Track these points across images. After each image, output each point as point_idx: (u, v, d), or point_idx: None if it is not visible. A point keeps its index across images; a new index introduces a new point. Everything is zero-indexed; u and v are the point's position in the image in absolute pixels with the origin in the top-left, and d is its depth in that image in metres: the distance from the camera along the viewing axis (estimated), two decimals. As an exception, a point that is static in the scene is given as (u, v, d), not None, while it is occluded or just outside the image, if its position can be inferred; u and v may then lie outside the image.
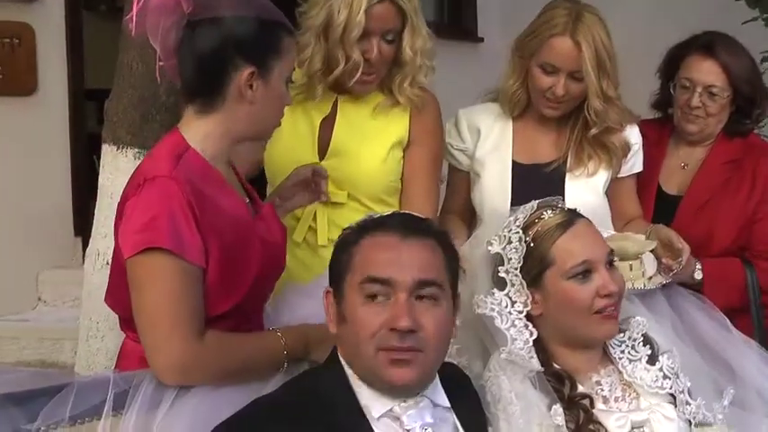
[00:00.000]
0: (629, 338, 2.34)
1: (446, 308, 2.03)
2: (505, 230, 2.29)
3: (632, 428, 2.24)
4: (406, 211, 2.48)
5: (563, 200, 2.50)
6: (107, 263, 2.77)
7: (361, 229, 2.08)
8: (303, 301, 2.42)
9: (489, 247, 2.30)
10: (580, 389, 2.25)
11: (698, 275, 2.92)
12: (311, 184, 2.71)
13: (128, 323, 2.26)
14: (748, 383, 2.53)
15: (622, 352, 2.33)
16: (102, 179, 3.17)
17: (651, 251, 2.72)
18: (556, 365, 2.26)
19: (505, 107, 3.04)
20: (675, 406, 2.29)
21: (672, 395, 2.30)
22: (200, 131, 2.23)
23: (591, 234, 2.29)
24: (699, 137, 3.19)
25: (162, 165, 2.15)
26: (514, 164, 3.00)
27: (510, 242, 2.26)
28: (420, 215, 2.21)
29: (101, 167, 3.19)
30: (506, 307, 2.26)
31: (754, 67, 3.18)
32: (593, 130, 2.93)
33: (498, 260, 2.28)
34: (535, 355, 2.23)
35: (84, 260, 3.47)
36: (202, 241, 2.12)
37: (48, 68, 5.12)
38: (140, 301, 2.12)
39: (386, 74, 2.85)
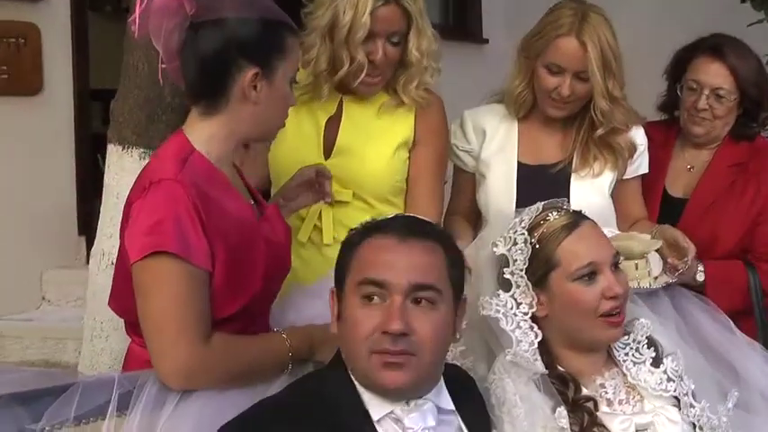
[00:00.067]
0: (634, 341, 2.34)
1: (444, 312, 2.02)
2: (511, 232, 2.29)
3: (636, 431, 2.23)
4: (410, 214, 2.49)
5: (568, 201, 2.50)
6: (112, 263, 2.77)
7: (363, 230, 2.09)
8: (309, 302, 2.42)
9: (494, 249, 2.30)
10: (584, 391, 2.24)
11: (700, 277, 2.92)
12: (315, 184, 2.71)
13: (133, 327, 2.26)
14: (752, 386, 2.53)
15: (626, 354, 2.32)
16: (108, 179, 3.17)
17: (657, 251, 2.72)
18: (560, 368, 2.26)
19: (511, 108, 3.04)
20: (680, 408, 2.29)
21: (676, 398, 2.30)
22: (204, 133, 2.22)
23: (596, 236, 2.29)
24: (705, 139, 3.18)
25: (167, 168, 2.15)
26: (520, 165, 3.00)
27: (515, 243, 2.26)
28: (423, 218, 2.21)
29: (106, 167, 3.19)
30: (511, 308, 2.25)
31: (762, 70, 3.17)
32: (600, 131, 2.92)
33: (503, 261, 2.28)
34: (539, 358, 2.23)
35: (88, 260, 3.48)
36: (208, 244, 2.12)
37: (53, 68, 5.13)
38: (146, 305, 2.12)
39: (391, 74, 2.85)
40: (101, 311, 3.06)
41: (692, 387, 2.31)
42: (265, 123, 2.29)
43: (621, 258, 2.36)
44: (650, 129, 3.13)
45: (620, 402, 2.27)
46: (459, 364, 2.29)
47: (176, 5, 2.15)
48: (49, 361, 4.78)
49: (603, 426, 2.21)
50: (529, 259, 2.25)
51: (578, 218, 2.29)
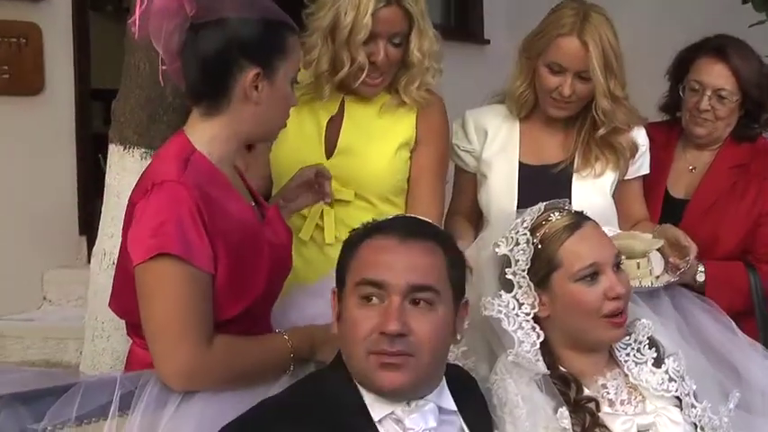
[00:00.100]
0: (635, 341, 2.34)
1: (443, 313, 2.01)
2: (513, 232, 2.28)
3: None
4: (410, 215, 2.49)
5: (570, 201, 2.50)
6: (113, 262, 2.77)
7: (364, 231, 2.09)
8: (311, 301, 2.42)
9: (496, 249, 2.29)
10: (586, 392, 2.24)
11: (700, 278, 2.92)
12: (315, 185, 2.70)
13: (134, 329, 2.26)
14: (754, 386, 2.52)
15: (628, 355, 2.33)
16: (109, 179, 3.17)
17: (658, 250, 2.72)
18: (562, 368, 2.26)
19: (512, 108, 3.04)
20: (681, 409, 2.29)
21: (677, 398, 2.30)
22: (205, 134, 2.22)
23: (598, 236, 2.29)
24: (707, 140, 3.18)
25: (170, 169, 2.14)
26: (521, 165, 3.00)
27: (517, 244, 2.26)
28: (424, 218, 2.21)
29: (108, 167, 3.19)
30: (513, 309, 2.25)
31: (764, 72, 3.17)
32: (602, 131, 2.93)
33: (505, 262, 2.28)
34: (541, 358, 2.23)
35: (89, 260, 3.48)
36: (211, 246, 2.12)
37: (54, 68, 5.13)
38: (149, 308, 2.12)
39: (393, 76, 2.85)
40: (102, 311, 3.05)
41: (694, 387, 2.31)
42: (267, 123, 2.28)
43: (623, 257, 2.37)
44: (652, 130, 3.13)
45: (622, 403, 2.27)
46: (460, 364, 2.29)
47: (176, 6, 2.15)
48: (50, 361, 4.78)
49: (605, 426, 2.20)
50: (531, 260, 2.25)
51: (580, 218, 2.29)
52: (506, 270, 2.27)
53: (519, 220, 2.31)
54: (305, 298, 2.48)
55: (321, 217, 2.82)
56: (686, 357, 2.37)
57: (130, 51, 3.07)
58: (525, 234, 2.27)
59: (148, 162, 2.85)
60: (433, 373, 2.03)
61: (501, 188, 2.98)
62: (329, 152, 2.85)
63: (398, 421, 2.01)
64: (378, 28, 2.74)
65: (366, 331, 1.96)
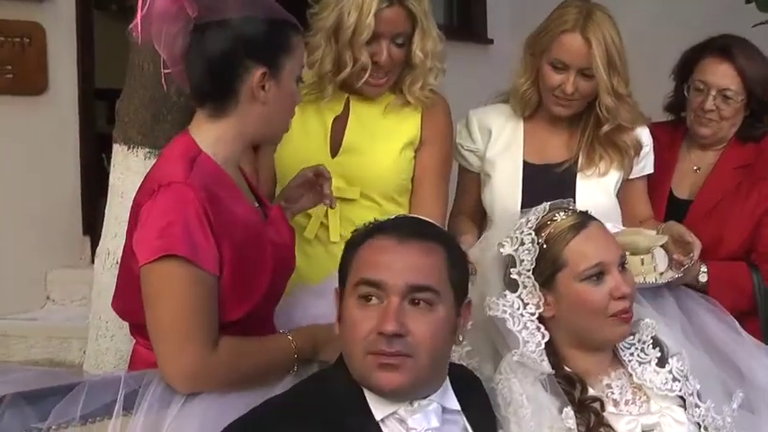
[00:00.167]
0: (639, 341, 2.34)
1: (443, 313, 2.01)
2: (517, 232, 2.28)
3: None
4: (412, 215, 2.49)
5: (574, 201, 2.50)
6: (117, 262, 2.77)
7: (365, 231, 2.09)
8: (315, 301, 2.42)
9: (501, 249, 2.29)
10: (591, 392, 2.24)
11: (703, 278, 2.91)
12: (316, 185, 2.70)
13: (138, 329, 2.26)
14: (758, 386, 2.52)
15: (632, 354, 2.32)
16: (113, 179, 3.18)
17: (662, 247, 2.72)
18: (567, 368, 2.26)
19: (516, 107, 3.04)
20: (685, 409, 2.29)
21: (681, 397, 2.30)
22: (211, 135, 2.22)
23: (603, 236, 2.29)
24: (711, 140, 3.18)
25: (176, 170, 2.14)
26: (525, 164, 3.00)
27: (522, 244, 2.26)
28: (426, 218, 2.21)
29: (111, 167, 3.20)
30: (518, 309, 2.25)
31: None
32: (606, 127, 2.93)
33: (510, 262, 2.28)
34: (546, 358, 2.23)
35: (92, 259, 3.49)
36: (217, 248, 2.12)
37: (58, 68, 5.13)
38: (155, 309, 2.11)
39: (397, 75, 2.85)
40: (106, 311, 3.06)
41: (698, 387, 2.31)
42: (273, 124, 2.28)
43: (627, 253, 2.37)
44: (656, 130, 3.13)
45: (627, 403, 2.27)
46: (465, 364, 2.29)
47: (176, 9, 2.14)
48: (53, 360, 4.78)
49: (610, 426, 2.20)
50: (536, 260, 2.24)
51: (585, 218, 2.29)
52: (511, 270, 2.27)
53: (524, 220, 2.31)
54: (309, 298, 2.49)
55: (326, 215, 2.82)
56: (690, 357, 2.37)
57: (135, 51, 3.08)
58: (530, 234, 2.26)
59: (152, 162, 2.86)
60: (433, 373, 2.03)
61: (505, 187, 2.98)
62: (334, 151, 2.85)
63: (401, 421, 2.01)
64: (381, 28, 2.74)
65: (365, 331, 1.96)
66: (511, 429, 2.16)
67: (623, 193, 3.04)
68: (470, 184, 3.11)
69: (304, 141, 2.84)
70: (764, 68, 3.13)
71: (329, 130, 2.86)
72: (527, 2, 4.99)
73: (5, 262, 4.91)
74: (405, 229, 2.05)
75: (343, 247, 2.13)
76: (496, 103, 3.12)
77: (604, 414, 2.22)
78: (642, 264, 2.63)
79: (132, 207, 2.23)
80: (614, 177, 2.99)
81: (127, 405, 2.10)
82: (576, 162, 2.99)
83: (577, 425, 2.16)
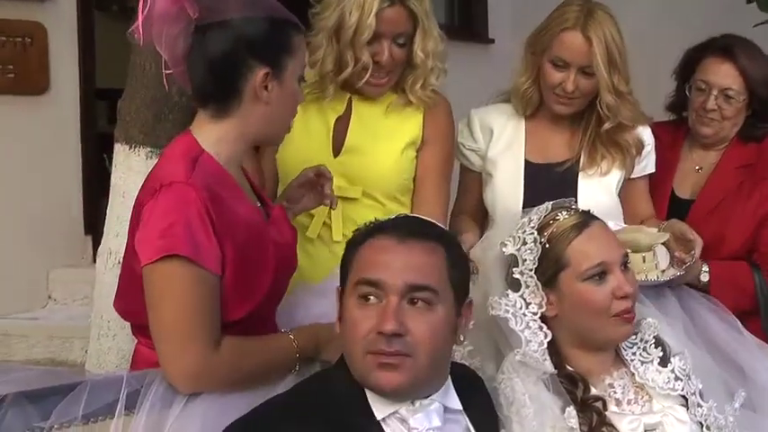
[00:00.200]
0: (641, 340, 2.34)
1: (442, 313, 2.00)
2: (520, 232, 2.28)
3: (645, 431, 2.23)
4: (413, 215, 2.49)
5: (576, 200, 2.50)
6: (119, 262, 2.78)
7: (366, 231, 2.09)
8: (317, 301, 2.42)
9: (503, 249, 2.29)
10: (593, 391, 2.24)
11: (704, 278, 2.91)
12: (317, 185, 2.70)
13: (140, 329, 2.26)
14: (760, 386, 2.53)
15: (634, 354, 2.32)
16: (115, 178, 3.18)
17: (664, 244, 2.72)
18: (569, 368, 2.26)
19: (518, 105, 3.04)
20: (687, 408, 2.29)
21: (684, 397, 2.30)
22: (213, 135, 2.21)
23: (606, 236, 2.29)
24: (713, 140, 3.18)
25: (178, 170, 2.14)
26: (527, 163, 3.00)
27: (525, 243, 2.26)
28: (427, 218, 2.21)
29: (113, 167, 3.20)
30: (521, 308, 2.25)
31: None
32: (607, 125, 2.93)
33: (512, 261, 2.28)
34: (549, 358, 2.23)
35: (94, 259, 3.49)
36: (219, 248, 2.12)
37: (59, 68, 5.14)
38: (157, 309, 2.11)
39: (399, 75, 2.86)
40: (108, 310, 3.06)
41: (700, 386, 2.31)
42: (276, 124, 2.28)
43: (628, 251, 2.37)
44: (658, 129, 3.13)
45: (629, 402, 2.27)
46: (467, 363, 2.29)
47: (177, 10, 2.13)
48: (55, 360, 4.79)
49: (612, 426, 2.20)
50: (538, 259, 2.24)
51: (588, 218, 2.29)
52: (513, 269, 2.27)
53: (526, 220, 2.31)
54: (311, 297, 2.49)
55: (329, 215, 2.82)
56: (692, 357, 2.37)
57: (136, 51, 3.08)
58: (533, 233, 2.26)
59: (154, 161, 2.86)
60: (433, 373, 2.02)
61: (506, 187, 2.98)
62: (336, 151, 2.85)
63: (403, 421, 2.01)
64: (382, 28, 2.74)
65: (364, 331, 1.96)
66: (513, 429, 2.16)
67: (625, 193, 3.04)
68: (472, 183, 3.11)
69: (306, 141, 2.84)
70: (766, 68, 3.12)
71: (331, 130, 2.86)
72: (528, 1, 4.99)
73: (7, 261, 4.91)
74: (405, 228, 2.05)
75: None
76: (498, 102, 3.12)
77: (607, 413, 2.22)
78: (644, 261, 2.63)
79: (134, 207, 2.23)
80: (616, 176, 2.99)
81: (129, 405, 2.10)
82: (578, 161, 2.99)
83: (580, 424, 2.16)
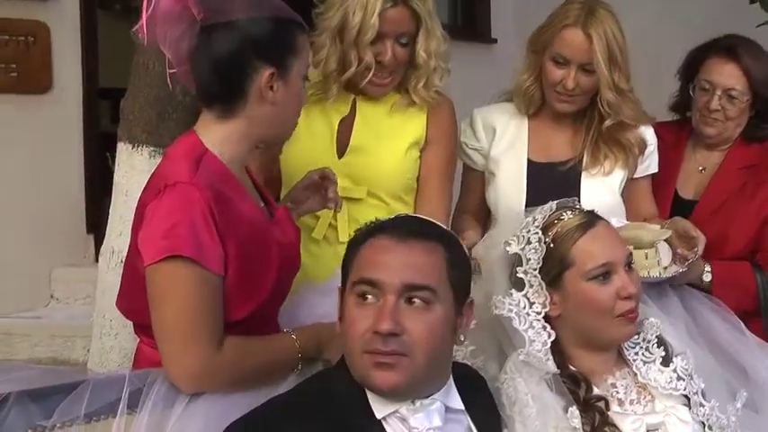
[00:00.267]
0: (644, 340, 2.34)
1: (440, 313, 2.00)
2: (524, 231, 2.28)
3: (647, 431, 2.23)
4: (414, 215, 2.49)
5: (578, 199, 2.50)
6: (121, 261, 2.77)
7: (367, 231, 2.09)
8: (321, 300, 2.42)
9: (507, 248, 2.29)
10: (596, 391, 2.24)
11: (707, 278, 2.91)
12: (322, 188, 2.70)
13: (143, 328, 2.26)
14: (762, 386, 2.52)
15: (636, 354, 2.32)
16: (118, 177, 3.18)
17: (666, 241, 2.72)
18: (572, 367, 2.26)
19: (520, 104, 3.04)
20: (690, 408, 2.29)
21: (686, 397, 2.30)
22: (217, 135, 2.21)
23: (610, 236, 2.29)
24: (717, 140, 3.17)
25: (182, 170, 2.14)
26: (530, 162, 3.00)
27: (529, 242, 2.26)
28: (428, 218, 2.21)
29: (116, 166, 3.20)
30: (524, 308, 2.25)
31: None
32: (608, 122, 2.93)
33: (516, 260, 2.28)
34: (552, 357, 2.23)
35: (96, 258, 3.49)
36: (222, 248, 2.12)
37: (62, 67, 5.14)
38: (160, 309, 2.11)
39: (402, 75, 2.86)
40: (110, 309, 3.05)
41: (702, 386, 2.31)
42: (281, 124, 2.28)
43: (631, 247, 2.36)
44: (661, 129, 3.13)
45: (632, 402, 2.27)
46: (469, 363, 2.29)
47: (180, 10, 2.13)
48: (57, 359, 4.80)
49: (614, 425, 2.20)
50: (543, 258, 2.24)
51: (593, 217, 2.29)
52: (517, 269, 2.27)
53: (530, 219, 2.31)
54: (314, 296, 2.49)
55: (334, 217, 2.82)
56: (694, 357, 2.37)
57: (139, 50, 3.08)
58: (537, 233, 2.26)
59: (157, 160, 2.86)
60: (431, 372, 2.01)
61: (509, 186, 2.98)
62: (341, 152, 2.86)
63: (403, 420, 2.01)
64: (385, 28, 2.75)
65: (361, 330, 1.96)
66: (516, 429, 2.16)
67: (628, 193, 3.04)
68: (475, 182, 3.11)
69: (310, 143, 2.84)
70: None
71: (335, 131, 2.87)
72: (530, 2, 4.99)
73: (9, 260, 4.92)
74: (405, 228, 2.05)
75: None
76: (500, 102, 3.12)
77: (609, 413, 2.21)
78: (646, 258, 2.62)
79: (138, 206, 2.23)
80: (619, 176, 2.99)
81: (131, 404, 2.10)
82: (581, 161, 2.99)
83: (582, 424, 2.16)
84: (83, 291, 4.93)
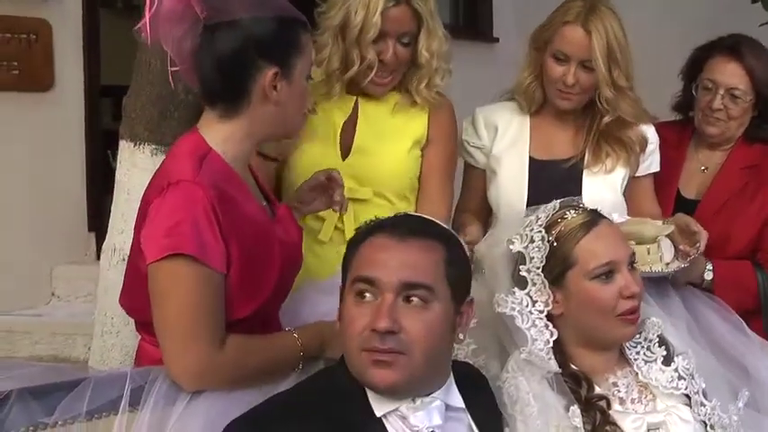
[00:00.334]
0: (645, 339, 2.34)
1: (439, 311, 2.00)
2: (527, 229, 2.28)
3: (648, 430, 2.23)
4: (413, 213, 2.49)
5: (581, 196, 2.50)
6: (123, 259, 2.78)
7: (367, 229, 2.09)
8: (323, 299, 2.41)
9: (510, 246, 2.29)
10: (597, 390, 2.24)
11: (708, 276, 2.91)
12: (328, 189, 2.69)
13: (144, 326, 2.26)
14: (764, 386, 2.53)
15: (638, 353, 2.33)
16: (119, 175, 3.18)
17: (668, 237, 2.71)
18: (573, 366, 2.26)
19: (522, 102, 3.04)
20: (691, 407, 2.29)
21: (687, 396, 2.30)
22: (220, 134, 2.21)
23: (614, 235, 2.29)
24: (719, 140, 3.17)
25: (185, 168, 2.14)
26: (531, 160, 3.01)
27: (532, 241, 2.26)
28: (429, 217, 2.21)
29: (118, 164, 3.20)
30: (527, 306, 2.25)
31: None
32: (606, 119, 2.93)
33: (520, 259, 2.28)
34: (553, 356, 2.23)
35: (98, 256, 3.49)
36: (225, 246, 2.12)
37: (64, 65, 5.14)
38: (161, 307, 2.11)
39: (403, 75, 2.86)
40: (112, 307, 3.06)
41: (703, 386, 2.31)
42: (286, 123, 2.28)
43: (633, 243, 2.36)
44: (664, 129, 3.13)
45: (633, 401, 2.27)
46: (471, 362, 2.30)
47: (183, 8, 2.13)
48: (58, 356, 4.79)
49: (616, 425, 2.20)
50: (546, 257, 2.24)
51: (596, 216, 2.29)
52: (521, 267, 2.27)
53: (533, 218, 2.31)
54: (317, 294, 2.48)
55: (341, 219, 2.82)
56: (696, 356, 2.38)
57: (142, 48, 3.08)
58: (540, 231, 2.26)
59: (159, 158, 2.87)
60: (429, 371, 2.01)
61: (510, 183, 2.98)
62: (345, 153, 2.86)
63: (404, 418, 2.01)
64: (387, 27, 2.75)
65: (359, 328, 1.97)
66: (517, 428, 2.16)
67: (630, 191, 3.04)
68: (476, 181, 3.11)
69: (314, 145, 2.84)
70: None
71: (339, 132, 2.87)
72: (532, 1, 4.99)
73: (11, 258, 4.92)
74: (404, 227, 2.05)
75: None
76: (502, 101, 3.12)
77: (610, 412, 2.22)
78: (648, 253, 2.62)
79: (141, 204, 2.23)
80: (620, 174, 2.99)
81: (132, 401, 2.10)
82: (583, 158, 2.99)
83: (584, 423, 2.16)
84: (84, 288, 4.93)
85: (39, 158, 5.01)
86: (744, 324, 2.68)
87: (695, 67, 3.20)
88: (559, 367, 2.23)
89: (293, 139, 2.75)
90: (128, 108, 3.17)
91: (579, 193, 2.86)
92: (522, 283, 2.27)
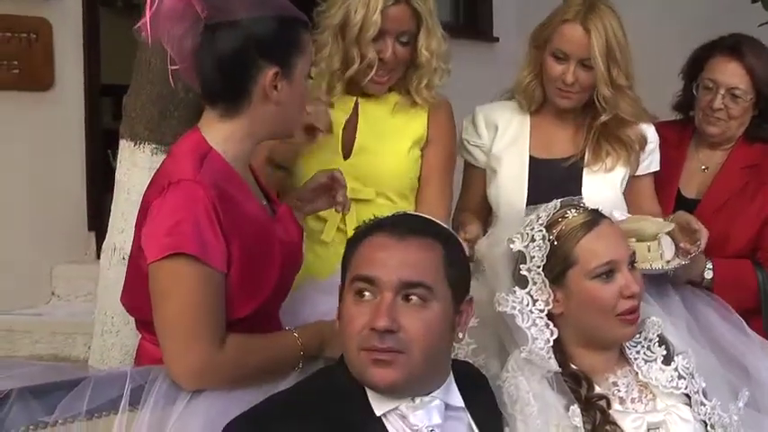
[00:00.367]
0: (645, 339, 2.34)
1: (438, 310, 2.00)
2: (528, 228, 2.28)
3: (648, 429, 2.24)
4: (412, 212, 2.49)
5: (581, 195, 2.50)
6: (123, 258, 2.78)
7: (366, 228, 2.09)
8: (323, 298, 2.41)
9: (511, 245, 2.29)
10: (597, 390, 2.25)
11: (708, 275, 2.91)
12: (330, 189, 2.69)
13: (145, 325, 2.26)
14: (764, 386, 2.52)
15: (638, 352, 2.33)
16: (119, 175, 3.19)
17: (669, 234, 2.71)
18: (573, 366, 2.26)
19: (522, 101, 3.04)
20: (691, 406, 2.29)
21: (687, 395, 2.30)
22: (221, 133, 2.21)
23: (614, 234, 2.29)
24: (720, 139, 3.17)
25: (186, 167, 2.14)
26: (531, 159, 3.00)
27: (533, 240, 2.26)
28: (428, 216, 2.21)
29: (118, 163, 3.21)
30: (527, 305, 2.25)
31: None
32: (603, 117, 2.93)
33: (520, 258, 2.28)
34: (553, 356, 2.23)
35: (98, 255, 3.49)
36: (225, 246, 2.12)
37: (64, 64, 5.14)
38: (162, 306, 2.11)
39: (403, 75, 2.87)
40: (112, 306, 3.07)
41: (703, 385, 2.31)
42: (285, 123, 2.28)
43: (633, 240, 2.36)
44: (664, 129, 3.13)
45: (633, 401, 2.27)
46: (471, 361, 2.30)
47: (183, 7, 2.13)
48: (58, 356, 4.79)
49: (616, 424, 2.20)
50: (546, 256, 2.24)
51: (597, 216, 2.29)
52: (521, 266, 2.27)
53: (534, 217, 2.31)
54: (317, 294, 2.48)
55: (343, 220, 2.82)
56: (696, 356, 2.37)
57: (142, 47, 3.09)
58: (541, 230, 2.26)
59: (159, 158, 2.87)
60: (429, 370, 2.01)
61: (510, 182, 2.98)
62: (346, 153, 2.86)
63: (403, 417, 2.01)
64: (386, 25, 2.76)
65: (358, 327, 1.97)
66: (517, 427, 2.16)
67: (630, 191, 3.04)
68: (476, 179, 3.11)
69: (315, 146, 2.84)
70: None
71: (340, 133, 2.87)
72: (532, 0, 5.00)
73: (10, 257, 4.92)
74: (404, 226, 2.05)
75: None
76: (502, 100, 3.12)
77: (610, 412, 2.22)
78: (649, 251, 2.61)
79: (142, 203, 2.22)
80: (620, 173, 2.99)
81: (133, 400, 2.10)
82: (583, 157, 2.99)
83: (584, 423, 2.16)
84: (84, 288, 4.93)
85: (39, 158, 5.01)
86: (744, 323, 2.68)
87: (696, 67, 3.20)
88: (559, 367, 2.23)
89: (301, 148, 2.76)
90: (128, 107, 3.17)
91: (579, 191, 2.86)
92: (522, 282, 2.27)
